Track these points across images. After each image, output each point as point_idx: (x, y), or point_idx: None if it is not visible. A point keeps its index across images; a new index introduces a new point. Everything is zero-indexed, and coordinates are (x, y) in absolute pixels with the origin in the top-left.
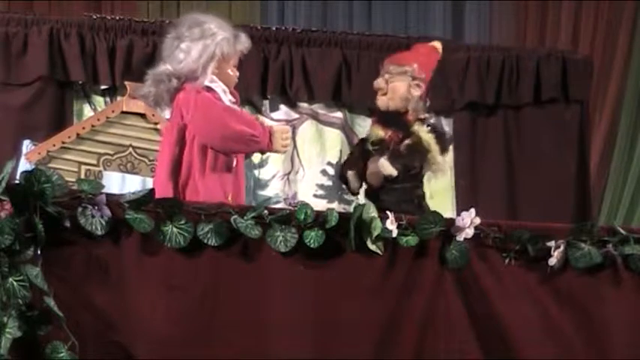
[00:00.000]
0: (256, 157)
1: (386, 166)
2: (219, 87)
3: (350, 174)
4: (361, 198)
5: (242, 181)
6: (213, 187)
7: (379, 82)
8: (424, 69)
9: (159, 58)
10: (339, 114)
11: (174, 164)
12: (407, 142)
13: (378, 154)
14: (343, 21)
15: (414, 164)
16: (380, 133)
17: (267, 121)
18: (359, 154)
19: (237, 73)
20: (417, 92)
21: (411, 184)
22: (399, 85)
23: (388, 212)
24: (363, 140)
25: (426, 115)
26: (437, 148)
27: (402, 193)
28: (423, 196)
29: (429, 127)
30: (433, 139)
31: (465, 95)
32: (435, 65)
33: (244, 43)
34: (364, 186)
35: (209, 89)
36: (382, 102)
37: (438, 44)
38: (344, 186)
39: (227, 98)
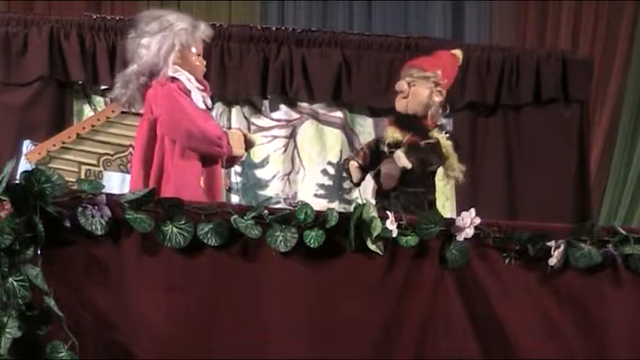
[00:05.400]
0: (257, 157)
1: (402, 158)
2: (183, 76)
3: (353, 164)
4: (362, 191)
5: (218, 172)
6: (184, 171)
7: (401, 85)
8: (446, 77)
9: (126, 60)
10: (339, 114)
11: (147, 158)
12: (428, 140)
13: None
14: (343, 21)
15: (431, 161)
16: (397, 135)
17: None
18: (369, 152)
19: (204, 62)
20: (438, 99)
21: (424, 189)
22: (421, 90)
23: (388, 212)
24: (377, 141)
25: (443, 121)
26: (455, 155)
27: (415, 197)
28: (433, 202)
29: (447, 134)
30: (451, 146)
31: (465, 95)
32: (456, 74)
33: (204, 31)
34: (370, 187)
35: (174, 79)
36: (401, 104)
37: (459, 52)
38: (345, 174)
39: (194, 86)
